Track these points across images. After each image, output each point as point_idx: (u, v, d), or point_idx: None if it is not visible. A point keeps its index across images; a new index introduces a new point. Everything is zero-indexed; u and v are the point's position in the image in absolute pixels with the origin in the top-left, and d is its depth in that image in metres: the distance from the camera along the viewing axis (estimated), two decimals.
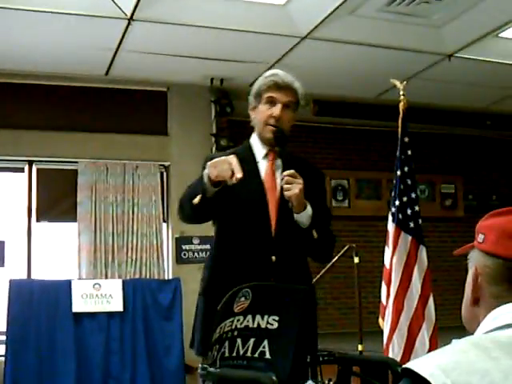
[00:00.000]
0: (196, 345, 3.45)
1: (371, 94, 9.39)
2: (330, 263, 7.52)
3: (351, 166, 10.98)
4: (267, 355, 2.52)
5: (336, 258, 7.20)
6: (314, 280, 7.87)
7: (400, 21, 7.31)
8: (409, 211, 5.29)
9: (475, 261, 1.49)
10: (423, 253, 5.20)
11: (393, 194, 5.41)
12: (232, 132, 9.28)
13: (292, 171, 3.22)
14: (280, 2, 6.88)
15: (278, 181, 3.37)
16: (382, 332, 5.18)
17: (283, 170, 3.31)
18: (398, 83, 5.39)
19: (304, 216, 3.26)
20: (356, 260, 6.89)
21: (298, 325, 2.58)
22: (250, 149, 3.52)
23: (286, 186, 3.20)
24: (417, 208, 5.31)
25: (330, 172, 10.74)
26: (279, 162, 3.47)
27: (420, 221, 5.30)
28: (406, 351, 5.02)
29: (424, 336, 5.04)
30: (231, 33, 7.26)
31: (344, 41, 7.59)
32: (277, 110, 3.38)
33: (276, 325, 2.54)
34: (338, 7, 6.72)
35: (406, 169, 5.39)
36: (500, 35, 7.81)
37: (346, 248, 7.19)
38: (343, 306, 10.26)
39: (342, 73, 8.61)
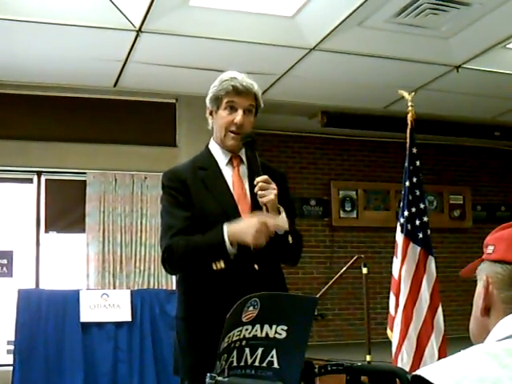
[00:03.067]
0: (184, 371, 3.31)
1: (379, 105, 9.40)
2: (339, 273, 7.53)
3: (359, 176, 10.99)
4: (275, 364, 2.52)
5: (344, 268, 7.22)
6: (323, 290, 7.90)
7: (408, 32, 7.32)
8: (417, 222, 5.30)
9: (485, 271, 1.51)
10: (432, 264, 5.21)
11: (401, 204, 5.42)
12: None
13: (265, 177, 3.12)
14: (288, 14, 6.90)
15: (247, 187, 3.30)
16: (389, 343, 5.18)
17: (249, 176, 3.27)
18: (406, 94, 5.41)
19: (280, 221, 3.12)
20: (364, 271, 6.89)
21: (306, 334, 2.58)
22: (210, 155, 3.39)
23: (260, 193, 3.10)
24: (425, 219, 5.32)
25: (338, 183, 10.79)
26: (243, 167, 3.38)
27: (429, 231, 5.30)
28: (415, 361, 5.02)
29: (433, 346, 5.04)
30: (240, 44, 7.27)
31: (352, 52, 7.60)
32: (239, 116, 3.26)
33: (284, 334, 2.53)
34: (346, 18, 6.73)
35: (414, 179, 5.40)
36: (508, 46, 7.81)
37: (354, 259, 7.20)
38: (351, 316, 10.26)
39: (350, 84, 8.62)
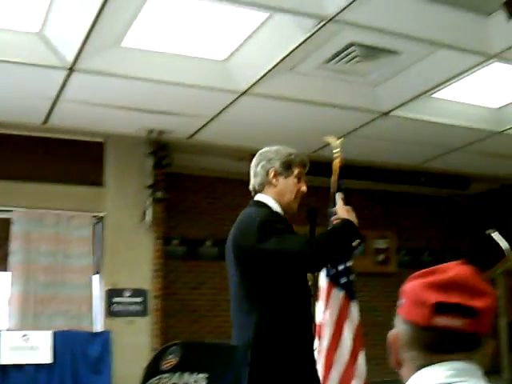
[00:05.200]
0: None
1: (309, 149, 9.46)
2: None
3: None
4: None
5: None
6: None
7: (338, 79, 7.45)
8: (341, 266, 5.31)
9: (396, 325, 1.52)
10: (355, 309, 5.22)
11: None
12: (169, 184, 9.28)
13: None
14: (221, 58, 6.96)
15: None
16: None
17: None
18: (332, 140, 5.44)
19: None
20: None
21: (228, 382, 2.57)
22: (280, 214, 3.74)
23: None
24: (349, 264, 5.35)
25: None
26: None
27: (352, 276, 5.33)
28: None
29: None
30: (171, 86, 7.28)
31: (283, 97, 7.68)
32: (305, 186, 3.85)
33: (204, 382, 2.52)
34: (277, 64, 6.79)
35: None
36: (434, 95, 8.01)
37: None
38: None
39: (280, 128, 8.69)
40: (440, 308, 1.41)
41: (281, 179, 3.73)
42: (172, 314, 9.83)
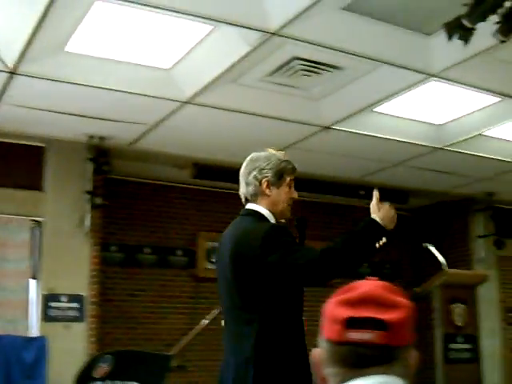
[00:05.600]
0: None
1: None
2: (201, 326, 7.53)
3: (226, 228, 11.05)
4: None
5: (208, 321, 7.21)
6: (184, 342, 7.87)
7: (281, 91, 7.51)
8: None
9: (319, 343, 1.55)
10: None
11: None
12: (108, 190, 9.23)
13: None
14: (165, 67, 6.96)
15: None
16: None
17: None
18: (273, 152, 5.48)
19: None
20: (223, 323, 6.88)
21: None
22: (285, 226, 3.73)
23: None
24: None
25: (205, 234, 10.81)
26: None
27: None
28: None
29: None
30: (114, 93, 7.24)
31: (225, 108, 7.72)
32: (295, 193, 3.82)
33: None
34: (221, 75, 6.83)
35: None
36: (375, 110, 8.13)
37: (217, 312, 7.18)
38: (213, 368, 10.15)
39: (223, 138, 8.74)
40: (351, 323, 1.44)
41: (274, 189, 3.73)
42: (109, 321, 9.76)
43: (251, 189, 3.76)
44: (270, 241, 3.47)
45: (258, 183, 3.73)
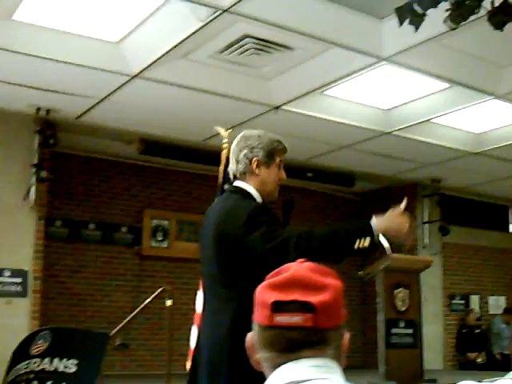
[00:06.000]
0: None
1: (198, 137, 9.48)
2: (143, 304, 7.47)
3: (173, 207, 11.01)
4: None
5: (149, 299, 7.14)
6: (127, 320, 7.81)
7: (231, 69, 7.46)
8: None
9: (252, 327, 1.53)
10: None
11: None
12: (54, 164, 9.10)
13: None
14: (114, 40, 6.86)
15: None
16: None
17: None
18: (222, 131, 5.44)
19: None
20: (169, 303, 6.83)
21: (97, 369, 2.54)
22: (267, 207, 3.66)
23: None
24: None
25: (151, 211, 10.76)
26: None
27: None
28: None
29: None
30: (62, 65, 7.12)
31: (175, 83, 7.64)
32: (284, 173, 3.71)
33: (74, 368, 2.49)
34: (171, 50, 6.76)
35: None
36: (325, 93, 8.13)
37: (159, 291, 7.14)
38: (156, 347, 10.19)
39: (171, 114, 8.67)
40: (278, 306, 1.43)
41: (263, 169, 3.66)
42: (52, 297, 9.68)
43: (241, 167, 3.67)
44: (252, 221, 3.42)
45: (248, 162, 3.65)
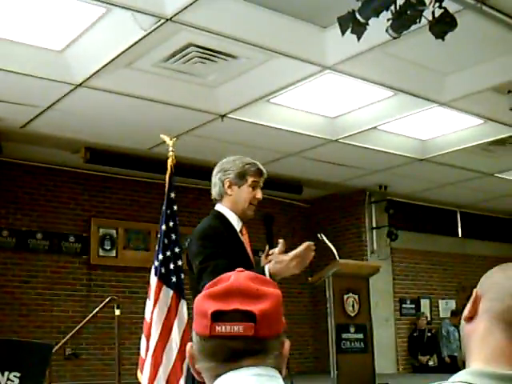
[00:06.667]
0: None
1: (144, 146, 9.46)
2: (91, 314, 7.44)
3: (121, 215, 10.95)
4: None
5: (97, 309, 7.12)
6: (76, 329, 7.75)
7: (176, 78, 7.46)
8: (172, 265, 5.33)
9: (192, 337, 1.53)
10: (184, 307, 5.25)
11: (156, 247, 5.45)
12: None
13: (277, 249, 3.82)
14: (57, 48, 6.81)
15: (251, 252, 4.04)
16: None
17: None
18: (167, 139, 5.45)
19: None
20: (117, 312, 6.82)
21: (41, 380, 2.53)
22: (227, 221, 3.97)
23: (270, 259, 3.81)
24: (179, 263, 5.37)
25: (98, 220, 10.69)
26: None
27: (182, 275, 5.35)
28: None
29: None
30: (6, 73, 7.04)
31: (119, 92, 7.62)
32: (260, 193, 3.98)
33: (17, 381, 2.47)
34: (114, 58, 6.74)
35: (171, 224, 5.45)
36: (271, 101, 8.17)
37: (107, 300, 7.11)
38: (106, 356, 10.12)
39: (116, 123, 8.63)
40: (218, 316, 1.42)
41: (235, 189, 3.97)
42: (0, 307, 9.57)
43: (217, 189, 4.02)
44: (195, 244, 3.83)
45: (221, 184, 3.99)
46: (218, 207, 4.03)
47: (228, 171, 3.98)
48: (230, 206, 3.99)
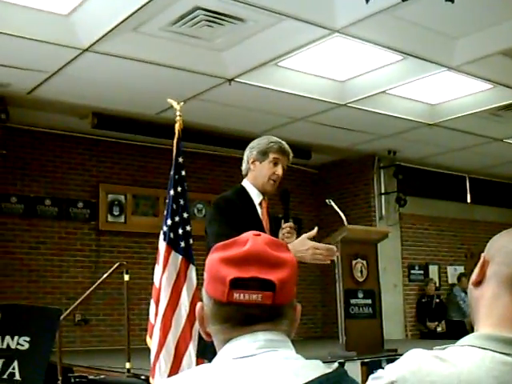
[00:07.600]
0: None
1: (151, 111, 9.42)
2: (100, 280, 7.44)
3: (129, 181, 10.94)
4: (17, 376, 2.44)
5: (106, 275, 7.12)
6: (85, 295, 7.77)
7: (183, 41, 7.39)
8: (180, 231, 5.31)
9: (202, 297, 1.51)
10: (193, 272, 5.24)
11: (165, 213, 5.43)
12: (6, 139, 8.99)
13: (292, 224, 4.12)
14: (63, 12, 6.75)
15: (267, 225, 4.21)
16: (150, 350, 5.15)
17: (269, 216, 4.24)
18: (174, 104, 5.39)
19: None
20: (126, 278, 6.82)
21: (50, 345, 2.52)
22: (247, 194, 4.22)
23: (287, 235, 4.04)
24: (188, 228, 5.35)
25: (106, 186, 10.68)
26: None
27: (191, 241, 5.34)
28: (172, 370, 5.01)
29: (191, 355, 5.07)
30: (12, 38, 6.99)
31: (126, 56, 7.57)
32: (280, 170, 4.20)
33: (27, 345, 2.46)
34: (121, 22, 6.68)
35: (179, 189, 5.41)
36: (279, 64, 8.10)
37: (116, 266, 7.11)
38: (116, 322, 10.16)
39: (123, 88, 8.58)
40: (237, 284, 1.41)
41: (257, 164, 4.22)
42: (9, 274, 9.61)
43: (244, 165, 4.30)
44: (208, 212, 4.17)
45: (247, 160, 4.27)
46: (243, 182, 4.29)
47: (253, 148, 4.25)
48: (252, 180, 4.25)
